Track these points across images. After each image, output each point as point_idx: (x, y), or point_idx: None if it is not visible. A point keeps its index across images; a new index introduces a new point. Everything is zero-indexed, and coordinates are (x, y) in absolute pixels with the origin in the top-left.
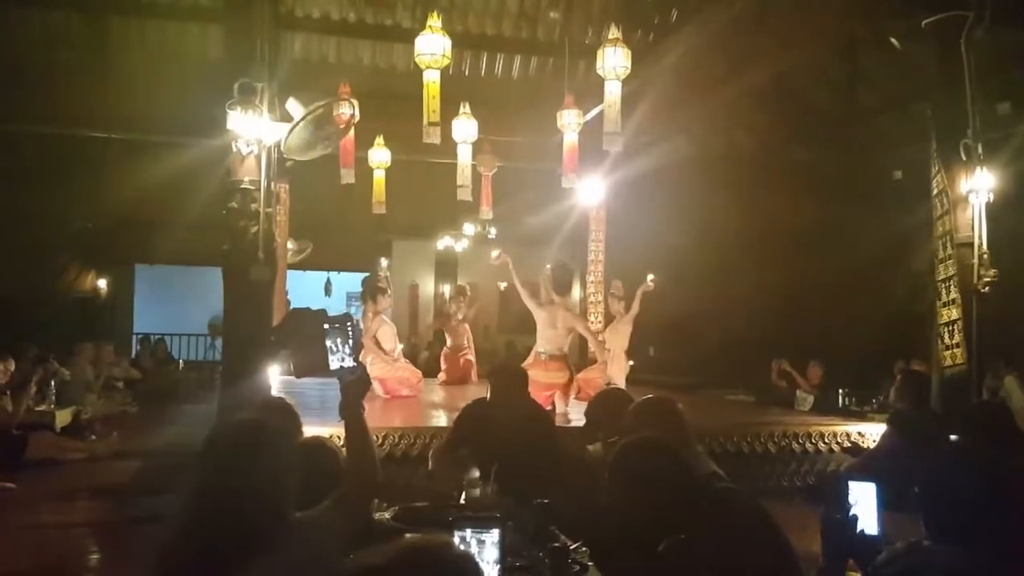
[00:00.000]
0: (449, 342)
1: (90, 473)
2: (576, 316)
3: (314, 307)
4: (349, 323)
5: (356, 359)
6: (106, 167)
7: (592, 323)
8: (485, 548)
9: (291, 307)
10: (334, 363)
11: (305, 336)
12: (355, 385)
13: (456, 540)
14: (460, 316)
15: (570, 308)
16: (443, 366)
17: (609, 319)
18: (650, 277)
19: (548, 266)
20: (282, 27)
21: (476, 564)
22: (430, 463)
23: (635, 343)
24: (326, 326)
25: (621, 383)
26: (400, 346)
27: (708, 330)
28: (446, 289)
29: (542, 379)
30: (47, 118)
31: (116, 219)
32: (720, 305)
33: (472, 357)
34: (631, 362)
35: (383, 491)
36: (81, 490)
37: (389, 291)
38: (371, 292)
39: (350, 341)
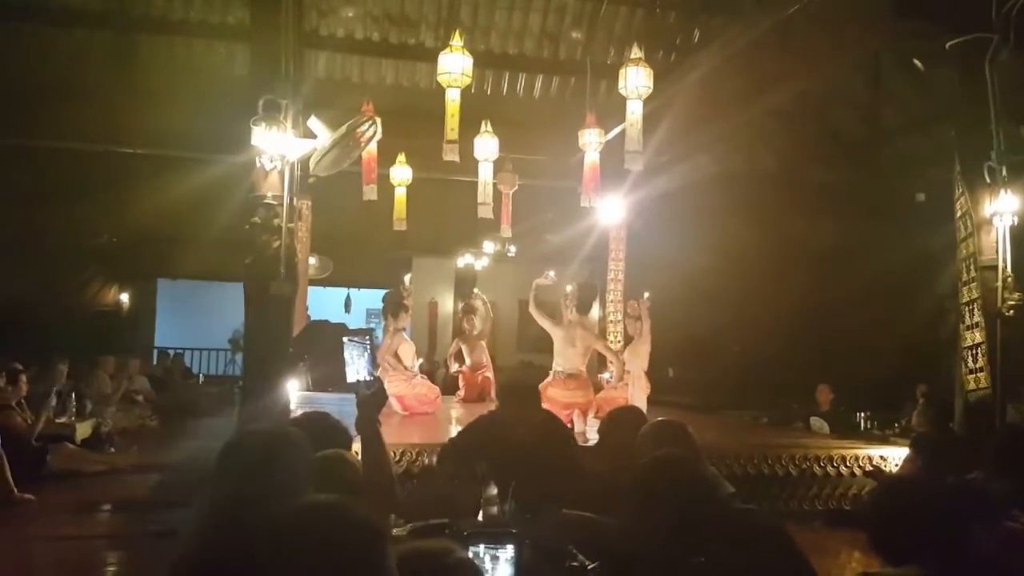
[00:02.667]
0: (468, 360)
1: (110, 486)
2: (595, 335)
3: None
4: (368, 337)
5: (373, 374)
6: (131, 182)
7: (611, 342)
8: (499, 565)
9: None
10: (351, 376)
11: (323, 349)
12: (372, 400)
13: (469, 555)
14: (476, 331)
15: (588, 327)
16: (461, 384)
17: (628, 339)
18: (646, 295)
19: (568, 287)
20: (307, 46)
21: (475, 569)
22: (436, 462)
23: (655, 363)
24: (345, 339)
25: (643, 404)
26: (419, 360)
27: (728, 351)
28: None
29: (561, 398)
30: (74, 134)
31: (140, 234)
32: (741, 326)
33: (491, 375)
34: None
35: (400, 507)
36: (100, 503)
37: (409, 307)
38: (393, 308)
39: (367, 355)
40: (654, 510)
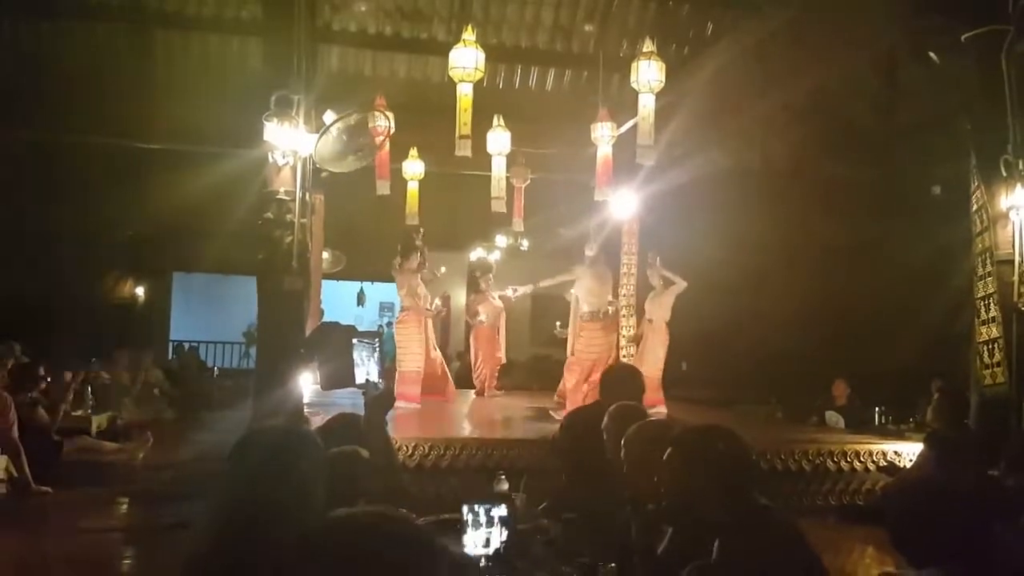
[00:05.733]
0: (484, 317)
1: (125, 478)
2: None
3: (345, 318)
4: (377, 339)
5: (381, 376)
6: (147, 176)
7: (623, 335)
8: (495, 523)
9: (324, 319)
10: (359, 377)
11: (333, 350)
12: (379, 401)
13: (465, 513)
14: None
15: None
16: (473, 337)
17: (641, 312)
18: (650, 253)
19: (593, 226)
20: (319, 40)
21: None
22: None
23: (669, 358)
24: (355, 341)
25: (661, 353)
26: (437, 301)
27: (742, 345)
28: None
29: (599, 343)
30: (91, 128)
31: (156, 227)
32: (754, 320)
33: (503, 331)
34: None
35: (409, 503)
36: (116, 495)
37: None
38: (404, 250)
39: (376, 356)
40: (697, 474)
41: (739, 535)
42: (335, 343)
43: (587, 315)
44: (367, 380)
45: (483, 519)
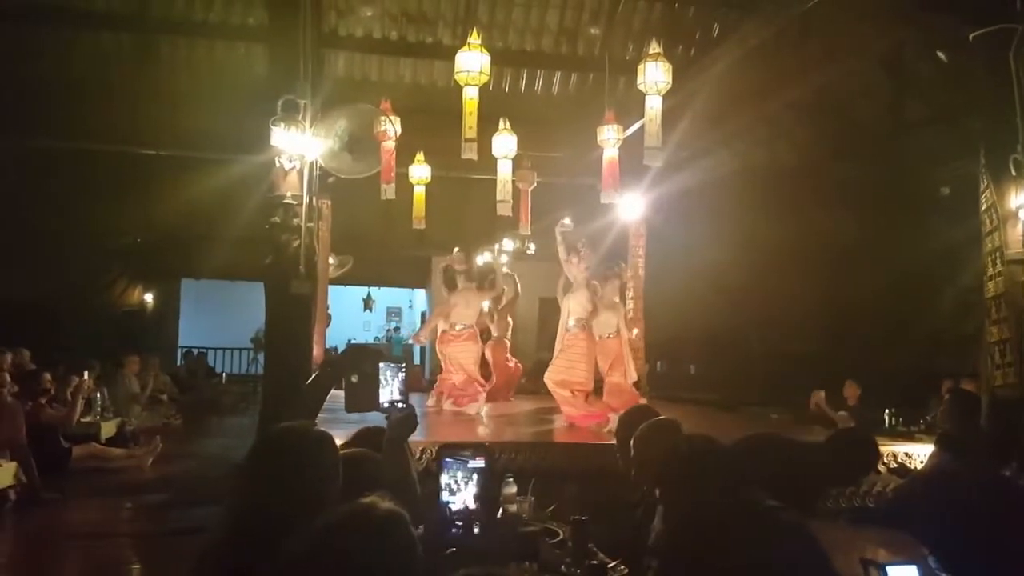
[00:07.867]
0: (495, 331)
1: (133, 484)
2: None
3: (353, 323)
4: (403, 364)
5: (406, 400)
6: (154, 183)
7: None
8: (472, 477)
9: (331, 324)
10: (384, 397)
11: (360, 373)
12: (403, 423)
13: (444, 479)
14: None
15: None
16: (491, 360)
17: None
18: (621, 264)
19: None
20: (325, 46)
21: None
22: None
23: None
24: (381, 364)
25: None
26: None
27: (749, 347)
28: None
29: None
30: (98, 135)
31: (163, 234)
32: (762, 321)
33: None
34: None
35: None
36: (124, 501)
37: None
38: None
39: (400, 378)
40: (686, 483)
41: (748, 536)
42: (363, 367)
43: (575, 324)
44: (390, 403)
45: (460, 482)
